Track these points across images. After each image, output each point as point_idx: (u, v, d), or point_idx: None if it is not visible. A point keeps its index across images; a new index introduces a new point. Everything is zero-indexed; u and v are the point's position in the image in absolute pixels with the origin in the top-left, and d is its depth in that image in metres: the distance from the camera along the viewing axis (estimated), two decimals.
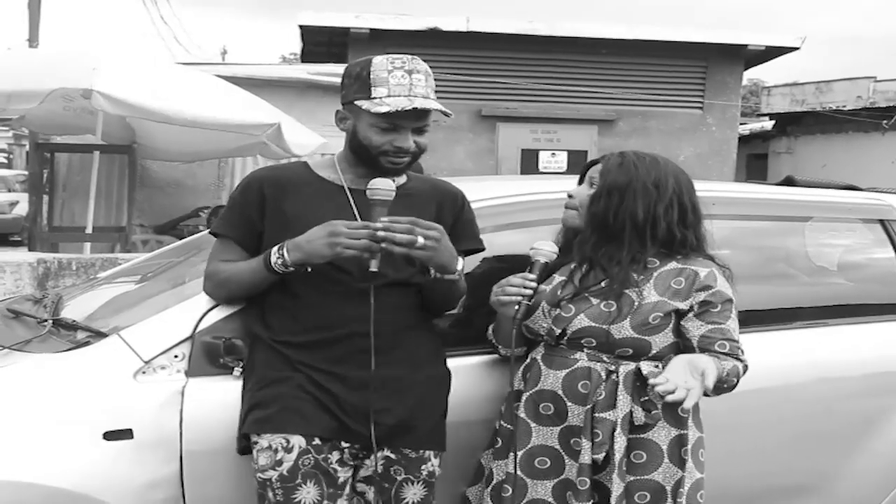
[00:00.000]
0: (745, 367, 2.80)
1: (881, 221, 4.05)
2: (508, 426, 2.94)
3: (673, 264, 2.86)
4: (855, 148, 18.03)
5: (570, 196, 2.98)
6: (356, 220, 2.71)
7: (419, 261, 2.68)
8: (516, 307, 2.80)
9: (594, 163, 3.02)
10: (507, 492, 2.87)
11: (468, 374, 3.11)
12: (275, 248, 2.68)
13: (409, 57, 2.73)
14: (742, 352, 2.81)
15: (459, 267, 2.75)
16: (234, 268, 2.82)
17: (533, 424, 2.88)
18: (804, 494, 3.68)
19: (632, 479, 2.77)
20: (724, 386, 2.71)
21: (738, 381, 2.77)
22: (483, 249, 3.00)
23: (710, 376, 2.53)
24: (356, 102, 2.70)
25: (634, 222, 2.83)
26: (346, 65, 2.87)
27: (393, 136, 2.70)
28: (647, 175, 2.87)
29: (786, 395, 3.52)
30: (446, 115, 2.75)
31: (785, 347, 3.62)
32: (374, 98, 2.67)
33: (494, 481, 2.94)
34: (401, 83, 2.67)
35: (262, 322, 2.80)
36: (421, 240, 2.58)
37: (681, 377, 2.51)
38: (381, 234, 2.55)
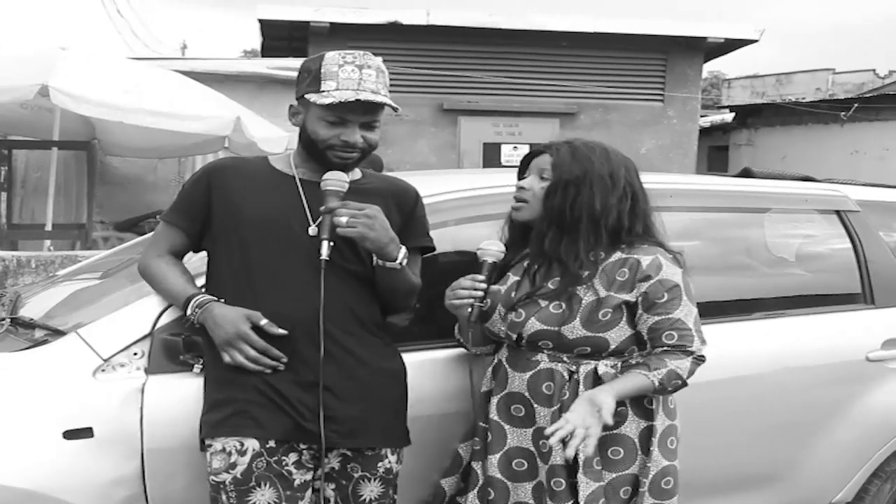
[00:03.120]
0: (699, 359, 2.78)
1: (837, 212, 4.08)
2: (485, 425, 2.95)
3: (618, 255, 2.83)
4: (814, 139, 18.18)
5: (521, 188, 2.94)
6: (304, 209, 2.76)
7: (356, 242, 2.69)
8: (469, 310, 2.80)
9: (536, 154, 3.00)
10: (490, 495, 2.88)
11: (439, 366, 3.13)
12: (195, 300, 2.73)
13: (362, 53, 2.75)
14: (696, 340, 2.78)
15: (401, 256, 2.74)
16: (163, 274, 2.85)
17: (507, 426, 2.89)
18: (768, 483, 3.72)
19: (613, 475, 2.77)
20: (667, 390, 2.73)
21: (685, 379, 2.75)
22: (433, 249, 3.00)
23: (607, 410, 2.57)
24: (306, 96, 2.72)
25: (591, 214, 2.81)
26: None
27: (340, 131, 2.71)
28: (602, 166, 2.86)
29: (747, 385, 3.55)
30: (394, 109, 2.76)
31: (746, 338, 3.65)
32: (324, 91, 2.68)
33: (480, 482, 2.93)
34: (350, 77, 2.69)
35: None
36: (343, 219, 2.61)
37: (579, 419, 2.56)
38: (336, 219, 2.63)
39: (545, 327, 2.79)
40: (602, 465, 2.77)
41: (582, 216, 2.81)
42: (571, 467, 2.76)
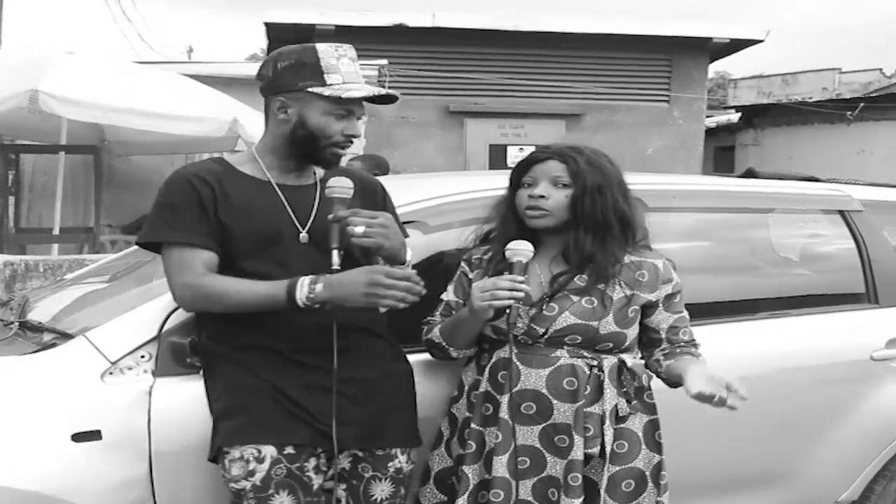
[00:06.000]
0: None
1: (841, 212, 4.09)
2: (480, 428, 2.91)
3: (628, 257, 2.90)
4: (821, 139, 18.14)
5: (539, 196, 2.88)
6: (291, 217, 2.73)
7: (369, 249, 2.64)
8: (507, 310, 2.77)
9: (536, 160, 2.93)
10: (498, 496, 2.82)
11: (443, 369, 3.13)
12: (306, 283, 2.56)
13: (347, 45, 2.76)
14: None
15: (409, 258, 2.76)
16: (230, 286, 2.65)
17: (517, 425, 2.86)
18: (773, 482, 3.73)
19: (617, 468, 2.82)
20: None
21: None
22: (407, 236, 2.91)
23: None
24: (309, 90, 2.67)
25: (620, 214, 2.88)
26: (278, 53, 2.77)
27: (345, 124, 2.70)
28: (614, 169, 2.94)
29: (751, 385, 3.53)
30: (395, 98, 2.81)
31: (750, 338, 3.67)
32: (332, 84, 2.66)
33: (472, 486, 2.88)
34: (349, 70, 2.70)
35: (218, 329, 2.76)
36: (360, 229, 2.57)
37: (716, 388, 2.66)
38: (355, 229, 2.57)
39: (580, 321, 2.83)
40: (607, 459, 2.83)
41: (612, 218, 2.87)
42: (588, 463, 2.81)
